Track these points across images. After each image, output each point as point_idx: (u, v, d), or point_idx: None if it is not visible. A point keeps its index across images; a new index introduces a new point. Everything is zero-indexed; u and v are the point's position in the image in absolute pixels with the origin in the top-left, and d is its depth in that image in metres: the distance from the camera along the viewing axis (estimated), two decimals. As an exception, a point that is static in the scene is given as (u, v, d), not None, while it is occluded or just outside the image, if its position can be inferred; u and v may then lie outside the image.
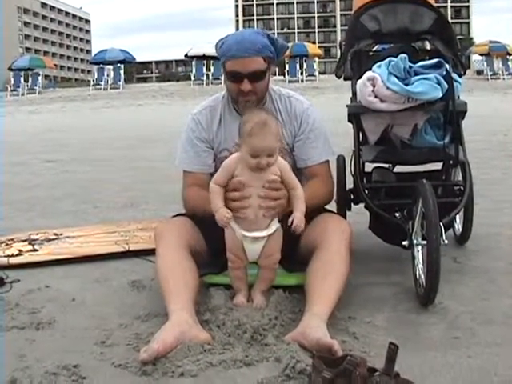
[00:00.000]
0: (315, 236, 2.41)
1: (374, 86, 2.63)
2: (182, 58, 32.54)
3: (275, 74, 31.62)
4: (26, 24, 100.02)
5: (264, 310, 2.23)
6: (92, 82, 30.04)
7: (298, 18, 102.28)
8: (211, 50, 25.55)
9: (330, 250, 2.32)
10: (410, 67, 2.64)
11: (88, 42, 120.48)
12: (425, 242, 2.36)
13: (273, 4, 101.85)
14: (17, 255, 3.21)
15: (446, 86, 2.62)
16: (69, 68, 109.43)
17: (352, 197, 3.07)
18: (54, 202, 5.14)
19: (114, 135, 11.81)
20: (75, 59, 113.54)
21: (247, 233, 2.26)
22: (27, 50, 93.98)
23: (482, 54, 29.37)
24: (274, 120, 2.30)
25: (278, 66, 30.33)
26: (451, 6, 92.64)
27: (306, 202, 2.32)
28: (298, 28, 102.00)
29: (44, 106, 23.71)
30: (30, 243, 3.44)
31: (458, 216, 3.11)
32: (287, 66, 27.95)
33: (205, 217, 2.39)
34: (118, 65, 29.10)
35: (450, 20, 3.17)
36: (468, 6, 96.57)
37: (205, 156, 2.62)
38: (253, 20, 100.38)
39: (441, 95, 2.61)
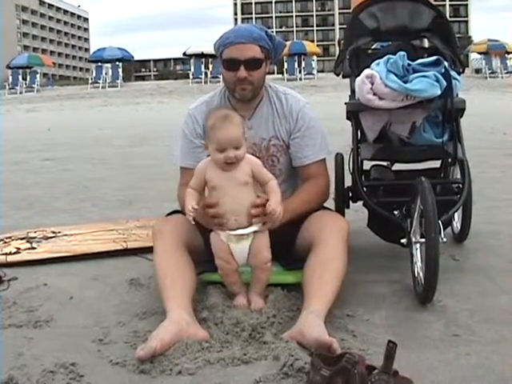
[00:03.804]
0: (312, 233, 2.41)
1: (372, 84, 2.63)
2: (181, 56, 32.60)
3: (273, 73, 31.56)
4: (25, 22, 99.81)
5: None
6: (90, 81, 30.05)
7: (296, 16, 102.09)
8: (210, 49, 25.61)
9: (327, 247, 2.32)
10: (409, 65, 2.63)
11: (86, 40, 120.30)
12: (423, 239, 2.36)
13: (271, 2, 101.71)
14: (15, 253, 3.20)
15: (445, 83, 2.61)
16: (67, 66, 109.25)
17: (350, 195, 3.07)
18: (52, 200, 5.13)
19: (112, 133, 11.80)
20: (73, 57, 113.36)
21: (231, 232, 2.24)
22: (25, 47, 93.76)
23: (480, 53, 29.38)
24: (236, 114, 2.31)
25: (277, 65, 30.32)
26: (450, 5, 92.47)
27: (299, 206, 2.38)
28: (297, 26, 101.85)
29: (42, 104, 23.69)
30: (27, 241, 3.44)
31: (456, 214, 3.11)
32: (285, 65, 27.92)
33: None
34: (117, 63, 29.10)
35: (448, 18, 3.17)
36: (466, 5, 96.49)
37: (199, 152, 2.59)
38: (251, 18, 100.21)
39: (439, 93, 2.60)
